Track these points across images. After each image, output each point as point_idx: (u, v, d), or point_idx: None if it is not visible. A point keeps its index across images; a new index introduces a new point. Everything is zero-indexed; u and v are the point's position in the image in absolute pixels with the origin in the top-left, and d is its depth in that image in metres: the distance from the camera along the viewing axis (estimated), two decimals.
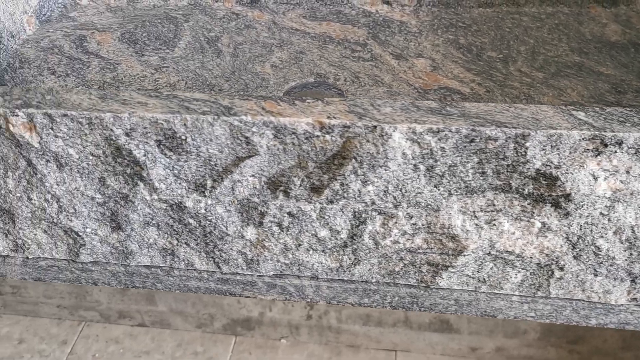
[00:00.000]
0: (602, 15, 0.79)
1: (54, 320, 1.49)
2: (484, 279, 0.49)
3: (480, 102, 0.66)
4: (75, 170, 0.49)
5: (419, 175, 0.44)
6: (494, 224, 0.45)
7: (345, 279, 0.52)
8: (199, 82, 0.72)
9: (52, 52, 0.78)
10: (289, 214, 0.48)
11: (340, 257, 0.51)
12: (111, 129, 0.45)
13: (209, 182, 0.48)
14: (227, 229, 0.50)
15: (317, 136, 0.44)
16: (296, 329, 1.40)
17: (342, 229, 0.48)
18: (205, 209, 0.49)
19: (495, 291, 0.50)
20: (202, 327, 1.45)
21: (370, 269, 0.51)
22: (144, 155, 0.47)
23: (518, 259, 0.47)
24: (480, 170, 0.43)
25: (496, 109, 0.43)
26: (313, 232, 0.49)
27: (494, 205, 0.45)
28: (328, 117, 0.43)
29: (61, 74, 0.74)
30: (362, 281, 0.52)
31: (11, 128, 0.46)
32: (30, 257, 0.56)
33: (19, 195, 0.51)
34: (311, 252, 0.50)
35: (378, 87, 0.70)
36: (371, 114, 0.43)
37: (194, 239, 0.52)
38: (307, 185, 0.46)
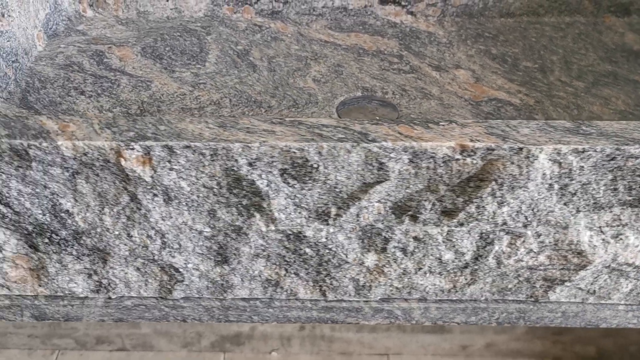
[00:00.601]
0: (617, 25, 0.83)
1: (24, 350, 1.39)
2: (594, 290, 0.51)
3: (532, 112, 0.68)
4: (184, 203, 0.46)
5: (551, 194, 0.45)
6: (620, 238, 0.47)
7: (455, 298, 0.52)
8: (244, 98, 0.69)
9: (72, 70, 0.72)
10: (415, 238, 0.47)
11: (457, 278, 0.50)
12: (236, 160, 0.43)
13: (334, 210, 0.46)
14: (346, 256, 0.48)
15: (457, 159, 0.43)
16: (288, 341, 1.38)
17: (467, 250, 0.48)
18: (327, 238, 0.47)
19: (603, 301, 0.51)
20: (189, 347, 1.39)
21: (482, 288, 0.51)
22: (267, 185, 0.44)
23: (634, 269, 0.49)
24: (612, 187, 0.44)
25: (630, 127, 0.44)
26: (437, 256, 0.48)
27: (620, 220, 0.46)
28: (471, 140, 0.42)
29: (91, 93, 0.68)
30: (472, 300, 0.52)
31: (122, 162, 0.43)
32: (113, 297, 0.52)
33: (117, 233, 0.47)
34: (428, 275, 0.50)
35: (429, 100, 0.70)
36: (512, 135, 0.43)
37: (306, 269, 0.49)
38: (439, 209, 0.45)
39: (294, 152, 0.42)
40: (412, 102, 0.69)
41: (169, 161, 0.43)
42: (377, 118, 0.67)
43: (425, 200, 0.45)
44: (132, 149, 0.42)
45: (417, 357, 1.40)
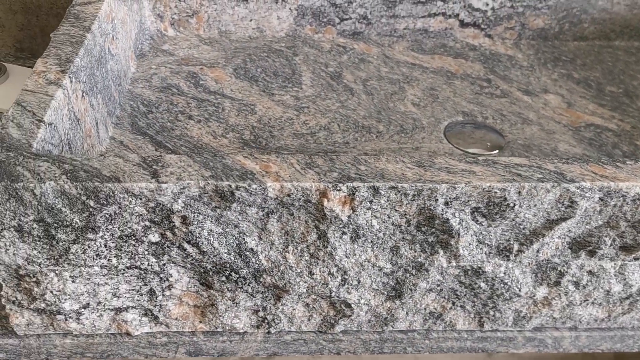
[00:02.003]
0: None
1: None
2: None
3: (632, 138, 0.70)
4: (369, 240, 0.46)
5: None
6: None
7: (604, 327, 0.54)
8: (351, 123, 0.69)
9: (172, 93, 0.71)
10: (589, 272, 0.49)
11: (615, 308, 0.52)
12: (436, 199, 0.43)
13: (516, 246, 0.47)
14: (520, 290, 0.49)
15: None
16: None
17: (636, 282, 0.49)
18: (505, 272, 0.48)
19: None
20: None
21: (633, 316, 0.53)
22: (459, 224, 0.45)
23: None
24: None
25: None
26: (607, 288, 0.50)
27: None
28: None
29: (199, 117, 0.67)
30: (620, 328, 0.54)
31: (325, 203, 0.43)
32: (272, 332, 0.52)
33: (299, 270, 0.47)
34: (589, 305, 0.51)
35: (530, 126, 0.71)
36: None
37: (473, 301, 0.50)
38: (618, 244, 0.47)
39: (496, 192, 0.43)
40: (513, 127, 0.71)
41: (371, 201, 0.43)
42: (488, 145, 0.68)
43: (606, 235, 0.46)
44: (339, 189, 0.42)
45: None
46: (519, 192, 0.43)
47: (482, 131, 0.71)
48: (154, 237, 0.44)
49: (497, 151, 0.67)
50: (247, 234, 0.45)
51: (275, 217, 0.44)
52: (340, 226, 0.44)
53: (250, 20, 0.82)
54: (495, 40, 0.86)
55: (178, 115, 0.68)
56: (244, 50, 0.80)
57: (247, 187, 0.41)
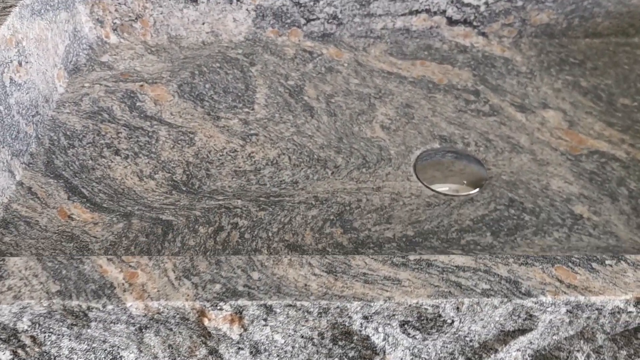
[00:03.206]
0: None
1: None
2: None
3: None
4: (275, 354, 0.37)
5: None
6: None
7: None
8: (305, 155, 0.59)
9: (102, 119, 0.61)
10: None
11: None
12: (349, 316, 0.34)
13: None
14: None
15: (629, 312, 0.34)
16: None
17: None
18: None
19: None
20: None
21: None
22: (384, 340, 0.35)
23: None
24: None
25: None
26: None
27: None
28: None
29: (127, 152, 0.58)
30: None
31: (206, 322, 0.33)
32: None
33: None
34: None
35: (519, 155, 0.60)
36: None
37: None
38: None
39: (426, 309, 0.33)
40: (499, 156, 0.60)
41: (265, 319, 0.34)
42: (464, 183, 0.57)
43: (578, 350, 0.36)
44: (220, 309, 0.33)
45: None
46: (457, 308, 0.33)
47: (461, 162, 0.60)
48: (5, 356, 0.36)
49: (476, 190, 0.57)
50: (123, 348, 0.36)
51: (151, 332, 0.35)
52: (234, 343, 0.35)
53: (203, 24, 0.71)
54: (491, 39, 0.73)
55: (103, 150, 0.58)
56: (194, 60, 0.70)
57: (102, 309, 0.32)
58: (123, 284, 0.33)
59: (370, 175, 0.57)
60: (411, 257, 0.35)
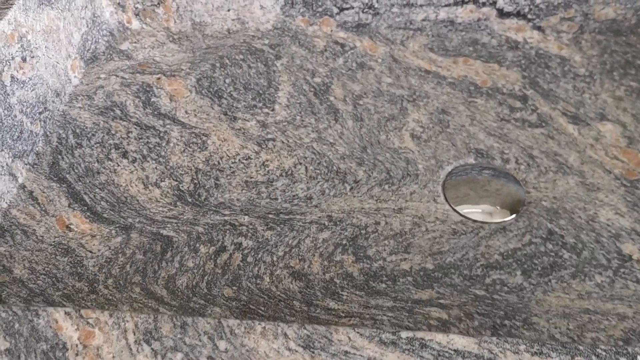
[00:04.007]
0: None
1: None
2: None
3: None
4: None
5: None
6: None
7: None
8: (323, 166, 0.54)
9: (114, 116, 0.58)
10: None
11: None
12: None
13: None
14: None
15: None
16: None
17: None
18: None
19: None
20: None
21: None
22: None
23: None
24: None
25: None
26: None
27: None
28: None
29: (135, 156, 0.55)
30: None
31: None
32: None
33: None
34: None
35: (566, 176, 0.53)
36: None
37: None
38: None
39: None
40: (542, 177, 0.53)
41: None
42: (498, 207, 0.51)
43: None
44: None
45: None
46: None
47: (498, 182, 0.53)
48: None
49: (511, 217, 0.50)
50: None
51: None
52: None
53: (229, 10, 0.66)
54: (548, 34, 0.65)
55: (111, 152, 0.55)
56: (217, 51, 0.65)
57: None
58: (77, 346, 0.30)
59: (392, 194, 0.52)
60: (403, 335, 0.30)
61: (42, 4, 0.55)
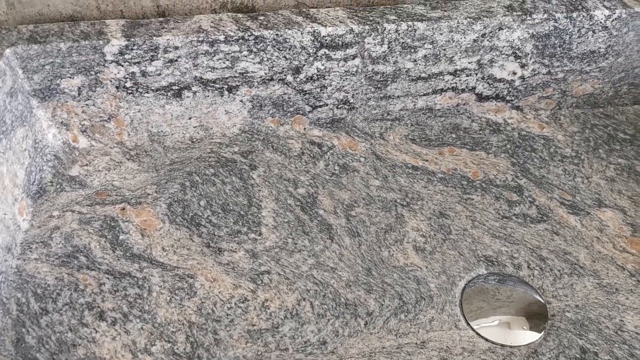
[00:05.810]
0: None
1: None
2: None
3: None
4: None
5: None
6: None
7: None
8: (329, 299, 0.49)
9: (79, 265, 0.51)
10: None
11: None
12: None
13: None
14: None
15: None
16: None
17: None
18: None
19: None
20: None
21: None
22: None
23: None
24: None
25: None
26: None
27: None
28: None
29: (115, 316, 0.48)
30: None
31: None
32: None
33: None
34: None
35: (581, 278, 0.51)
36: None
37: None
38: None
39: None
40: (558, 282, 0.51)
41: None
42: (524, 328, 0.48)
43: None
44: None
45: None
46: None
47: (517, 292, 0.50)
48: None
49: (539, 336, 0.47)
50: None
51: None
52: None
53: (190, 118, 0.60)
54: (526, 112, 0.63)
55: (84, 314, 0.48)
56: (183, 166, 0.58)
57: None
58: None
59: (410, 324, 0.48)
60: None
61: None
